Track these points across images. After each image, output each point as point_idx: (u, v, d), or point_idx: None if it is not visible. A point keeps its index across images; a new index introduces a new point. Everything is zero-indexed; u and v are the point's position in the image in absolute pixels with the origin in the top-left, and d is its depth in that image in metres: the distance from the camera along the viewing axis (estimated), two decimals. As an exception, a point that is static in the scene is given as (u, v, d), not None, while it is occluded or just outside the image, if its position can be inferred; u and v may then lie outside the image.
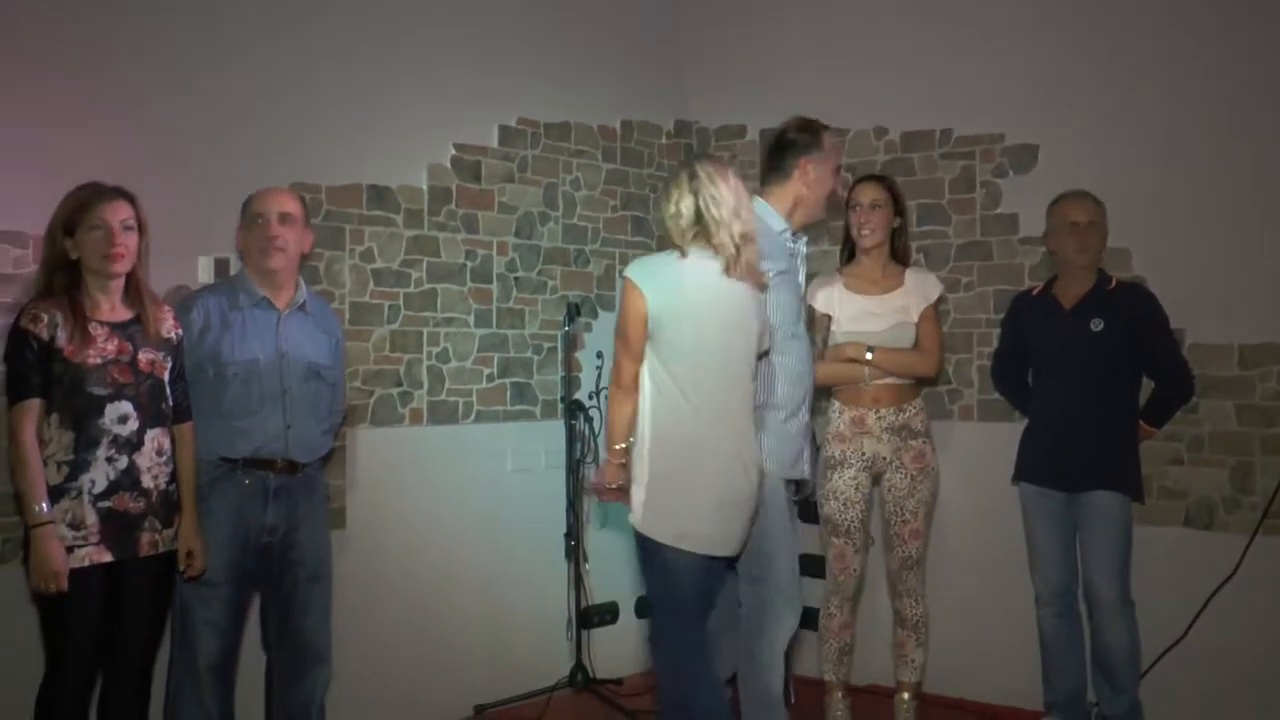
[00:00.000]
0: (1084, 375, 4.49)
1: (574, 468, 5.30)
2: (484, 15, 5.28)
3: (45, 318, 3.50)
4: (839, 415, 4.81)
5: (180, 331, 3.81)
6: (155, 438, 3.65)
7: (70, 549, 3.49)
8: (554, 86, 5.53)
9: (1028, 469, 4.68)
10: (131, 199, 3.64)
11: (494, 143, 5.32)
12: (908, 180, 5.26)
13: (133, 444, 3.59)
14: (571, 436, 5.23)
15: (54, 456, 3.50)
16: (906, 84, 5.50)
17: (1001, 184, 5.27)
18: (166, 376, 3.72)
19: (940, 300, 4.89)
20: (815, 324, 4.83)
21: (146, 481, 3.63)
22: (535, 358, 5.41)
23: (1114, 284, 4.57)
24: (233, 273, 4.32)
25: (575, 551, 5.35)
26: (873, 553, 4.95)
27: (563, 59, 5.57)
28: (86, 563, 3.52)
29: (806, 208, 4.17)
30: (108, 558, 3.56)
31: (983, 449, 5.17)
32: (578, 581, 5.37)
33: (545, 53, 5.50)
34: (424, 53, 5.04)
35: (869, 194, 4.76)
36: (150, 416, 3.64)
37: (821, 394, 5.22)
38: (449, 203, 5.12)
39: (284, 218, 4.00)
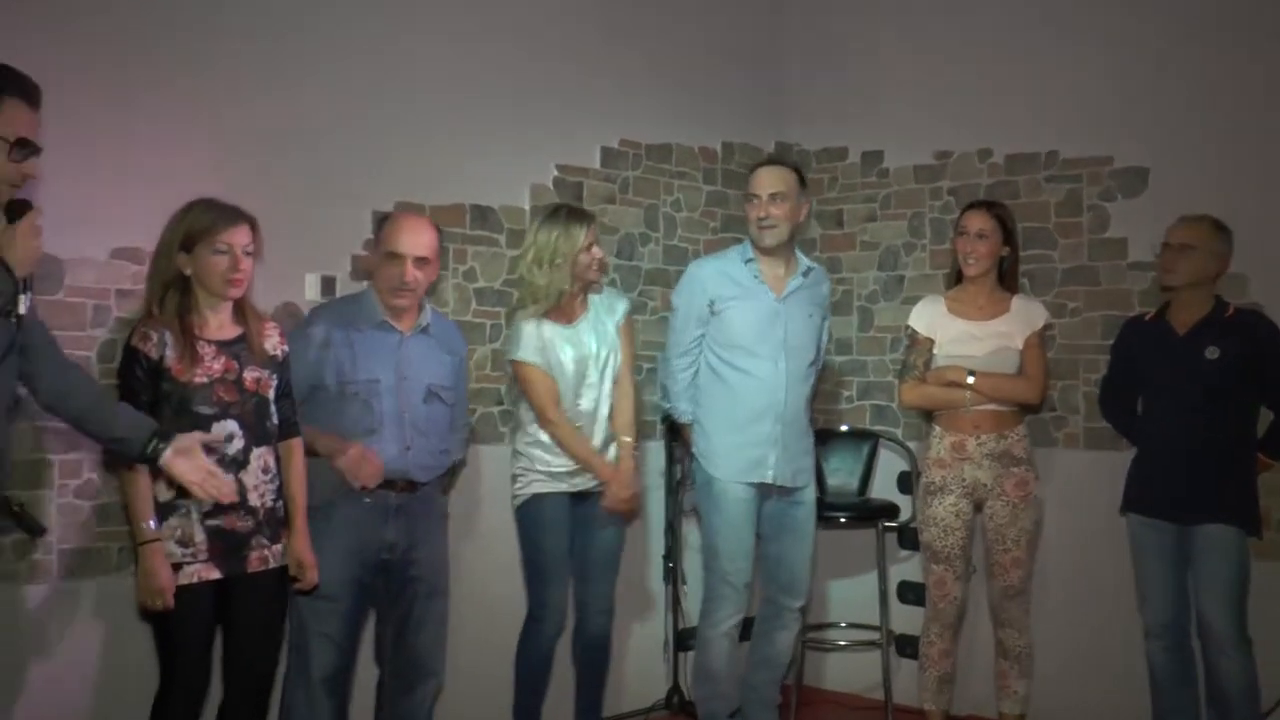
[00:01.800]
0: (1197, 404, 4.35)
1: (673, 489, 5.26)
2: (587, 37, 5.28)
3: (154, 336, 3.52)
4: (939, 440, 4.73)
5: (286, 348, 3.82)
6: (261, 456, 3.65)
7: (179, 566, 3.50)
8: (656, 108, 5.51)
9: (1137, 500, 4.54)
10: (253, 223, 3.66)
11: (596, 164, 5.31)
12: (1012, 204, 5.13)
13: (239, 463, 3.58)
14: (671, 458, 5.19)
15: (165, 474, 3.48)
16: (1011, 105, 5.41)
17: (1109, 208, 5.15)
18: (272, 394, 3.72)
19: (1047, 328, 4.79)
20: (916, 346, 4.78)
21: (253, 500, 3.62)
22: (635, 378, 5.37)
23: (1231, 311, 4.43)
24: (337, 288, 4.39)
25: (673, 574, 5.31)
26: (975, 580, 4.86)
27: (664, 81, 5.55)
28: (195, 579, 3.53)
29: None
30: (216, 575, 3.57)
31: (1089, 477, 5.05)
32: (675, 604, 5.32)
33: (647, 75, 5.48)
34: (527, 74, 5.04)
35: (976, 223, 4.70)
36: (256, 435, 3.64)
37: (922, 418, 5.17)
38: (551, 223, 5.11)
39: (419, 262, 4.02)
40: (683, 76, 5.64)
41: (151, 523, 3.47)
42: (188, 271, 3.60)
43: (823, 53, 6.01)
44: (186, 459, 3.15)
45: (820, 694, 5.70)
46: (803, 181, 4.62)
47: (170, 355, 3.52)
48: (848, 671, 5.74)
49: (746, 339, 4.52)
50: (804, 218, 4.65)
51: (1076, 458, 5.16)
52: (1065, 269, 5.25)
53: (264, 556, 3.66)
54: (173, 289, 3.59)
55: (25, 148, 2.82)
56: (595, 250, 4.51)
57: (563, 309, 4.48)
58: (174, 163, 3.99)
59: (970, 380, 4.61)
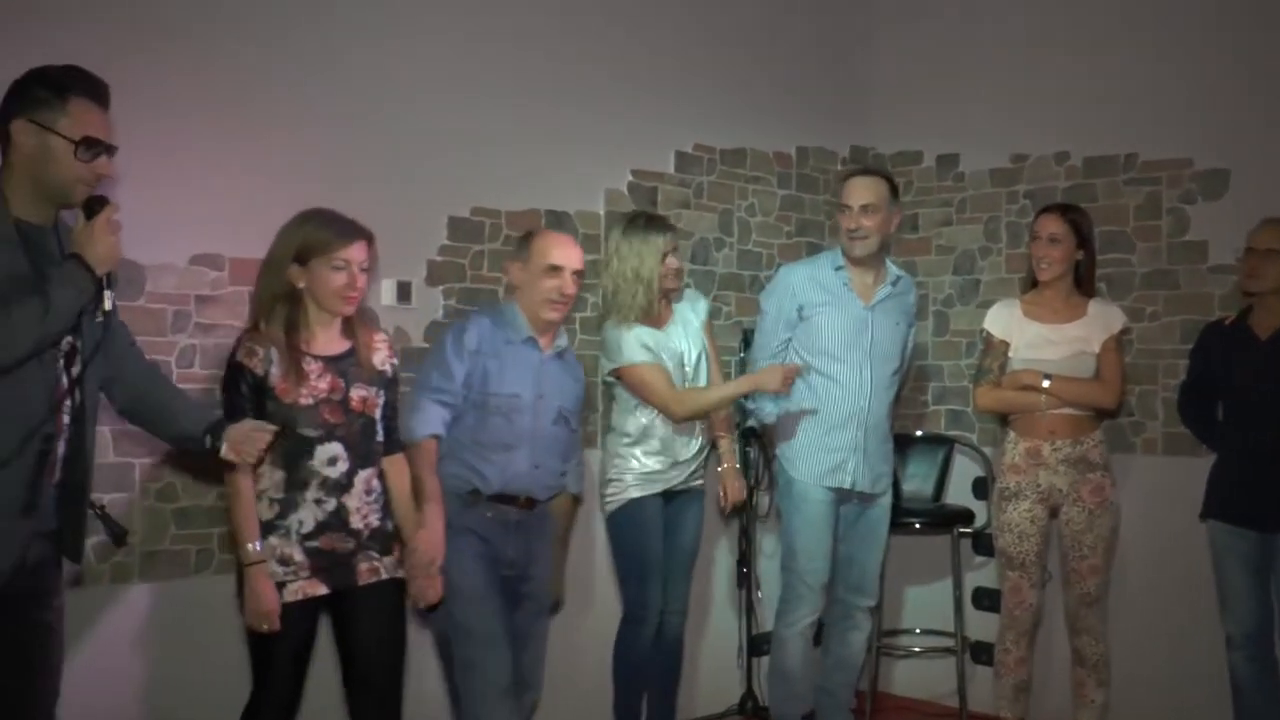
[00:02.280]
0: (1280, 409, 4.28)
1: (747, 493, 5.24)
2: (662, 43, 5.28)
3: (260, 352, 3.43)
4: (1014, 446, 4.67)
5: (395, 361, 3.74)
6: (365, 479, 3.57)
7: (281, 584, 3.44)
8: (730, 113, 5.49)
9: (1218, 506, 4.46)
10: (370, 238, 3.59)
11: (670, 169, 5.30)
12: (1090, 207, 5.04)
13: (341, 486, 3.51)
14: (745, 463, 5.16)
15: (266, 493, 3.46)
16: (1089, 107, 5.33)
17: (1189, 210, 5.07)
18: (378, 413, 3.63)
19: (1124, 332, 4.71)
20: (991, 349, 4.72)
21: (355, 522, 3.54)
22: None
23: (1315, 316, 4.34)
24: (413, 294, 4.42)
25: (747, 579, 5.29)
26: (1051, 587, 4.80)
27: (739, 85, 5.54)
28: (300, 595, 3.46)
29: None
30: (322, 590, 3.49)
31: (1168, 483, 4.97)
32: (749, 609, 5.30)
33: (722, 79, 5.47)
34: (602, 80, 5.05)
35: (1049, 227, 4.62)
36: (360, 457, 3.55)
37: (998, 423, 5.11)
38: (625, 228, 5.12)
39: (577, 275, 4.02)
40: (757, 81, 5.62)
41: (256, 544, 3.40)
42: (300, 285, 3.50)
43: (898, 56, 5.96)
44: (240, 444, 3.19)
45: (895, 700, 5.66)
46: (895, 191, 4.60)
47: (275, 373, 3.43)
48: (923, 678, 5.68)
49: (833, 346, 4.51)
50: (895, 228, 4.65)
51: (1155, 463, 5.08)
52: (1144, 273, 5.17)
53: (374, 568, 3.57)
54: (281, 302, 3.50)
55: (93, 147, 2.85)
56: (671, 260, 4.53)
57: (649, 316, 4.51)
58: (252, 170, 4.03)
59: (1046, 384, 4.55)
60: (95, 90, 2.89)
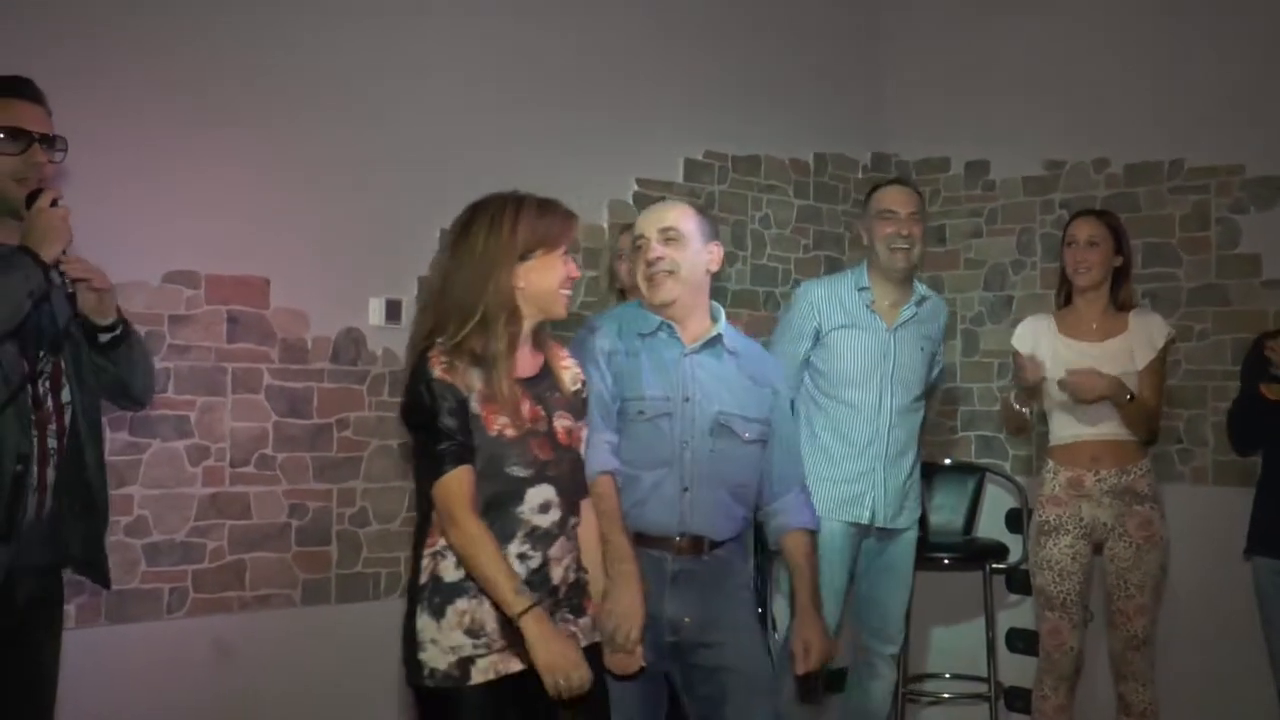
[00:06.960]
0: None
1: (754, 525, 5.18)
2: (670, 44, 5.26)
3: (460, 367, 2.89)
4: (1054, 476, 4.60)
5: (585, 381, 3.21)
6: (572, 527, 3.07)
7: (469, 660, 2.91)
8: (743, 118, 5.46)
9: (1264, 540, 4.39)
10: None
11: (679, 178, 5.27)
12: (1132, 217, 5.04)
13: (551, 537, 2.98)
14: (759, 493, 5.11)
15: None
16: (1130, 110, 5.31)
17: (1241, 220, 5.04)
18: (583, 448, 3.12)
19: (1169, 345, 4.63)
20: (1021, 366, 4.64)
21: (556, 576, 3.01)
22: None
23: (1375, 331, 4.29)
24: (403, 313, 4.37)
25: (763, 618, 5.21)
26: (1093, 628, 4.73)
27: (753, 89, 5.51)
28: (492, 674, 2.92)
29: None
30: (516, 666, 2.94)
31: (1219, 516, 4.89)
32: (765, 651, 5.22)
33: (734, 83, 5.44)
34: (606, 83, 5.03)
35: (1086, 230, 4.56)
36: (571, 503, 3.04)
37: (1033, 450, 5.05)
38: (631, 241, 5.08)
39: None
40: (772, 83, 5.59)
41: (522, 587, 2.89)
42: (520, 285, 2.96)
43: (923, 55, 5.94)
44: None
45: (923, 750, 5.60)
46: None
47: (477, 397, 2.89)
48: (953, 726, 5.63)
49: (852, 370, 4.46)
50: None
51: (1205, 494, 5.05)
52: (1192, 288, 5.14)
53: (572, 634, 3.03)
54: (504, 310, 2.95)
55: (19, 139, 2.87)
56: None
57: None
58: (232, 187, 4.06)
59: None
60: (12, 86, 2.92)
